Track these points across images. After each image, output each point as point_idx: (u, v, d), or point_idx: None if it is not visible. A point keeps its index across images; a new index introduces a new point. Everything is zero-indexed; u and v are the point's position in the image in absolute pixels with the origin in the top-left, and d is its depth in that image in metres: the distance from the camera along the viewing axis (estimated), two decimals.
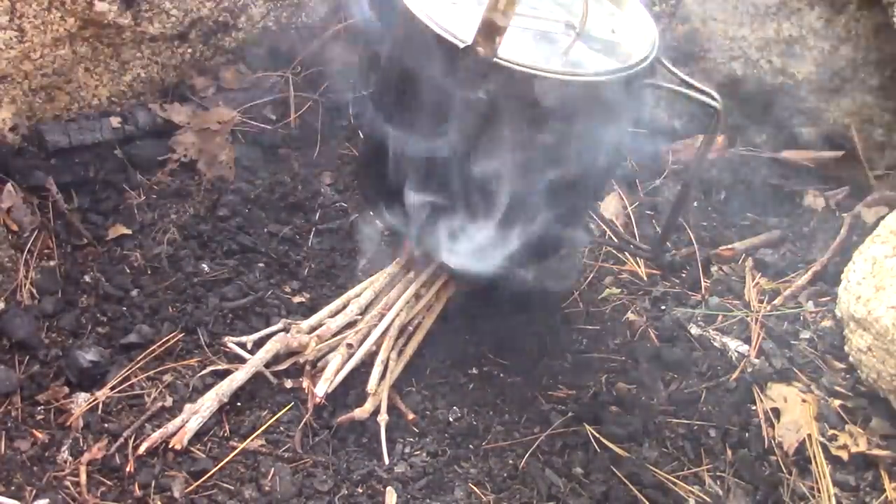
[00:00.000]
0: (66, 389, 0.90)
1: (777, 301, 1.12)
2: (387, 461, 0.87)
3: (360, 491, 0.84)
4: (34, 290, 0.98)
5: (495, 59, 0.75)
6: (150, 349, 0.94)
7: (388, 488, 0.84)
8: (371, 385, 0.89)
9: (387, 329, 0.94)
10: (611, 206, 1.24)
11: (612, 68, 0.80)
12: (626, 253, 1.17)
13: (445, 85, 0.79)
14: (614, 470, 0.90)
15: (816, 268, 1.16)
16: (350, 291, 0.99)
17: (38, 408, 0.88)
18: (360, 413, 0.88)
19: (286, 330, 0.94)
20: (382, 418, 0.88)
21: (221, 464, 0.84)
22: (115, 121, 1.15)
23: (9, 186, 1.04)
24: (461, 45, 0.75)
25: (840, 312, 1.08)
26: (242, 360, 0.92)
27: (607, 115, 0.84)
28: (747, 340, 1.07)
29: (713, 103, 0.81)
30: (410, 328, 0.97)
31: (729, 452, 0.95)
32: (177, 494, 0.81)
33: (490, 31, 0.72)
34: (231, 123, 1.21)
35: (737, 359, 1.04)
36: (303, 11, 1.33)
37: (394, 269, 1.00)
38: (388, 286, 1.00)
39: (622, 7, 0.91)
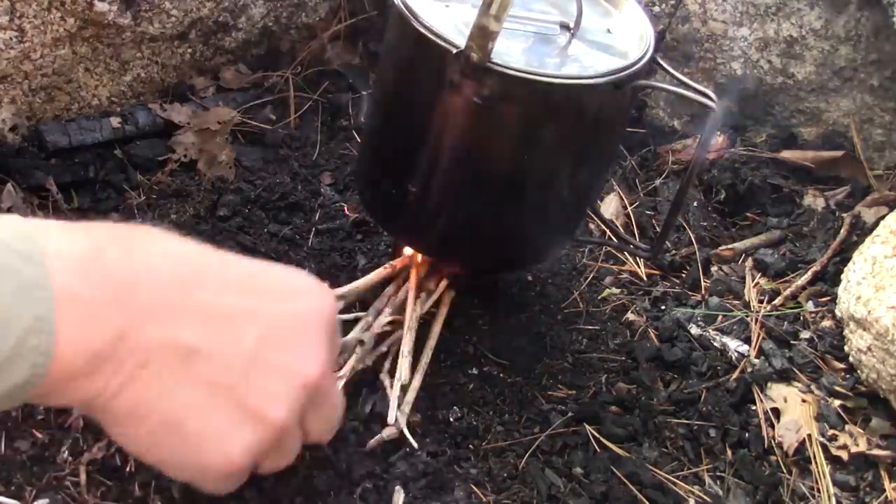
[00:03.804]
0: None
1: (777, 301, 1.12)
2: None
3: (360, 491, 0.84)
4: None
5: (488, 64, 0.74)
6: None
7: (397, 488, 0.84)
8: (403, 376, 0.89)
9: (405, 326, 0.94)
10: (611, 206, 1.24)
11: (607, 70, 0.79)
12: (626, 253, 1.17)
13: (439, 89, 0.79)
14: (614, 470, 0.90)
15: (816, 268, 1.16)
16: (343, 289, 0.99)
17: (38, 408, 0.88)
18: (389, 434, 0.87)
19: None
20: (401, 416, 0.88)
21: None
22: (115, 121, 1.16)
23: (9, 186, 1.04)
24: (454, 50, 0.75)
25: (840, 312, 1.08)
26: None
27: (603, 116, 0.84)
28: (747, 340, 1.07)
29: (710, 104, 0.81)
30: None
31: (729, 452, 0.95)
32: (177, 494, 0.81)
33: (482, 35, 0.72)
34: (231, 123, 1.21)
35: (737, 359, 1.04)
36: (303, 11, 1.33)
37: (388, 271, 1.00)
38: (390, 287, 1.00)
39: (618, 7, 0.91)
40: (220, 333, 0.59)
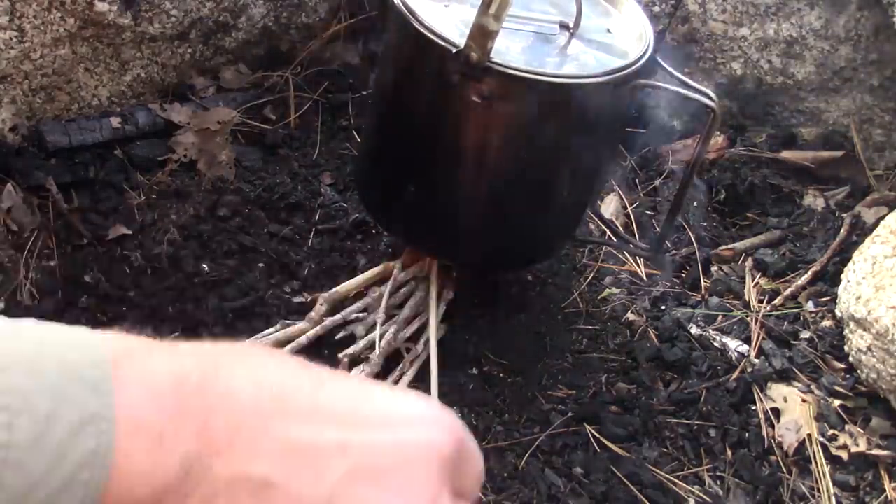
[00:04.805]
0: None
1: (777, 301, 1.12)
2: None
3: None
4: (34, 290, 0.98)
5: (488, 63, 0.74)
6: None
7: None
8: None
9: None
10: (611, 206, 1.24)
11: (607, 69, 0.79)
12: (626, 253, 1.17)
13: (439, 88, 0.79)
14: (614, 470, 0.90)
15: (816, 268, 1.16)
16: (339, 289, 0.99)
17: None
18: None
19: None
20: None
21: None
22: (115, 121, 1.15)
23: (9, 186, 1.04)
24: (453, 50, 0.75)
25: (840, 312, 1.08)
26: None
27: (602, 116, 0.84)
28: (747, 340, 1.07)
29: (709, 103, 0.81)
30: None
31: (729, 452, 0.95)
32: None
33: (482, 35, 0.72)
34: (231, 123, 1.21)
35: (737, 359, 1.04)
36: (303, 11, 1.33)
37: (382, 270, 1.00)
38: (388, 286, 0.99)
39: (618, 7, 0.91)
40: (300, 467, 0.52)
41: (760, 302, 1.12)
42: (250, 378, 0.54)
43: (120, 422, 0.47)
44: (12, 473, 0.44)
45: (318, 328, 0.95)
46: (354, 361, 0.92)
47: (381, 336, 0.93)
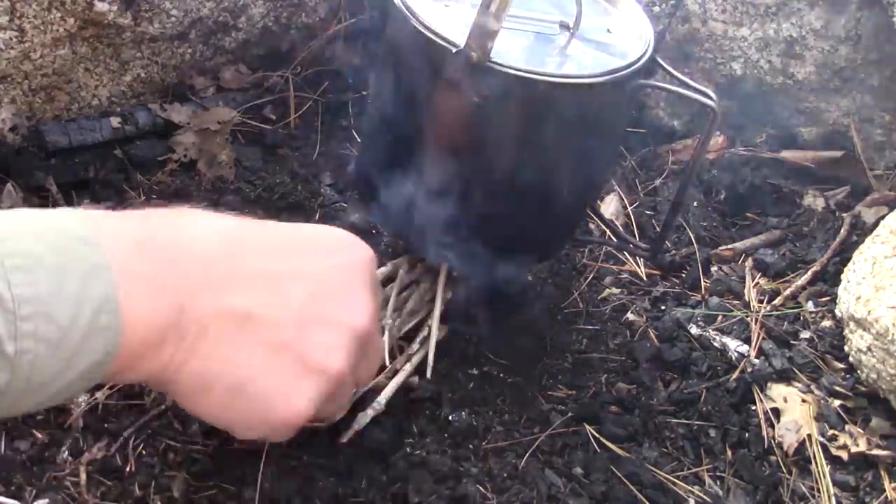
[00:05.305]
0: None
1: (777, 301, 1.12)
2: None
3: (361, 490, 0.84)
4: None
5: (488, 63, 0.75)
6: None
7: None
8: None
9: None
10: (611, 206, 1.24)
11: (607, 69, 0.79)
12: (626, 253, 1.17)
13: (439, 88, 0.79)
14: (614, 470, 0.90)
15: (816, 268, 1.16)
16: None
17: None
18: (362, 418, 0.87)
19: None
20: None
21: (221, 464, 0.84)
22: (115, 121, 1.16)
23: (9, 186, 1.04)
24: (453, 50, 0.75)
25: (840, 312, 1.08)
26: None
27: (602, 116, 0.84)
28: (747, 340, 1.07)
29: (709, 102, 0.81)
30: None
31: (729, 452, 0.95)
32: (177, 494, 0.81)
33: (482, 34, 0.72)
34: (231, 123, 1.21)
35: (737, 359, 1.04)
36: (303, 11, 1.33)
37: (390, 270, 1.00)
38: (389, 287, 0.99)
39: (618, 7, 0.91)
40: (270, 296, 0.63)
41: (760, 302, 1.12)
42: (208, 227, 0.64)
43: (116, 271, 0.54)
44: (45, 323, 0.50)
45: None
46: None
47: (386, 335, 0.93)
